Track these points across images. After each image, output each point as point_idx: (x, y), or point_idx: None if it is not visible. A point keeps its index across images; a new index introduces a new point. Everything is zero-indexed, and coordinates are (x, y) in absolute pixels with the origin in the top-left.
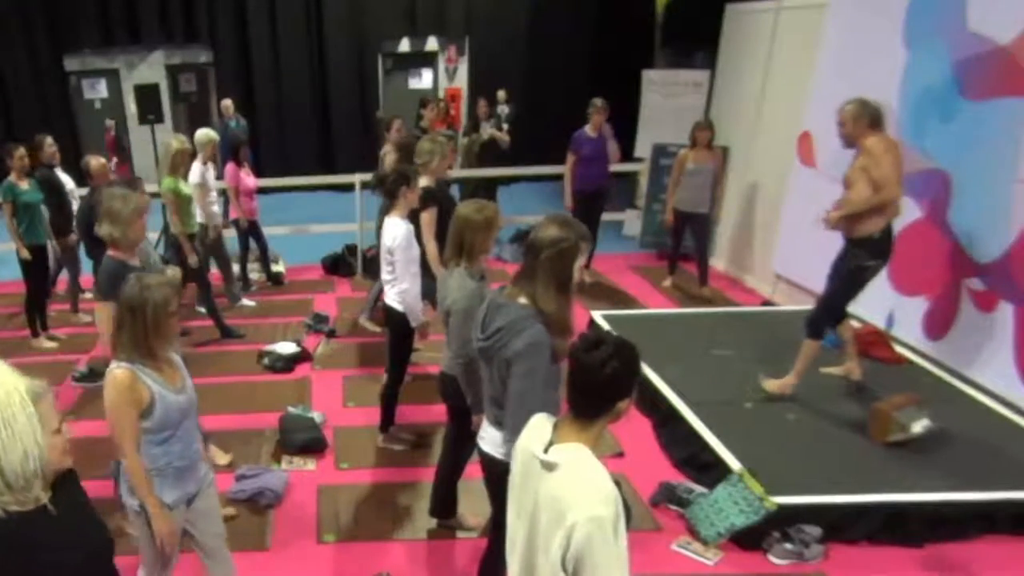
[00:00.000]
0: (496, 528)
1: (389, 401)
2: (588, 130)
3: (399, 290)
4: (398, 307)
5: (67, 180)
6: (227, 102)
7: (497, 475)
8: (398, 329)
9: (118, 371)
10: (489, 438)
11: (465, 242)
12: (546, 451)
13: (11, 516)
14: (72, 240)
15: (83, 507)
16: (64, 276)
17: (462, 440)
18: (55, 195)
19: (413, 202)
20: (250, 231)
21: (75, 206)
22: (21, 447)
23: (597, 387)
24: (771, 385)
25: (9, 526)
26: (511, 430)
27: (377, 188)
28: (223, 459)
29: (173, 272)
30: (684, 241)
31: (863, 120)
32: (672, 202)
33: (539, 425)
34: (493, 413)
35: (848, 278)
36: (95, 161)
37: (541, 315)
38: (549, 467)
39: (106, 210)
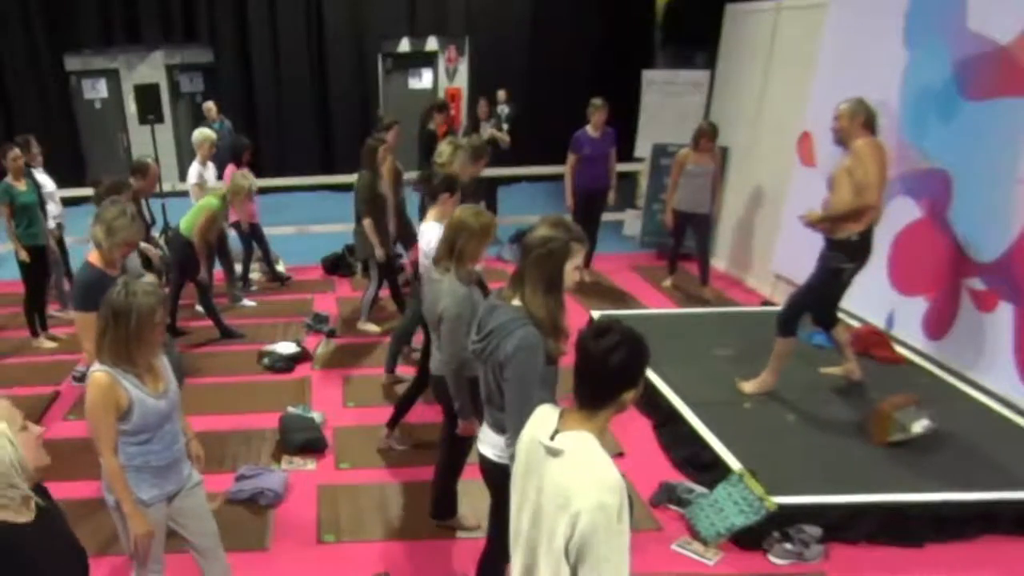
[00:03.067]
0: (496, 527)
1: (406, 401)
2: (589, 130)
3: None
4: None
5: (47, 181)
6: (209, 104)
7: (496, 477)
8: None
9: (98, 374)
10: (487, 441)
11: (457, 246)
12: (552, 439)
13: (3, 526)
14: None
15: (64, 520)
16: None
17: (457, 441)
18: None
19: (451, 210)
20: (251, 234)
21: (55, 208)
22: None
23: (602, 376)
24: (748, 387)
25: (4, 535)
26: (512, 435)
27: (422, 185)
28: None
29: (150, 279)
30: (685, 241)
31: (859, 118)
32: (672, 202)
33: (545, 414)
34: (490, 415)
35: (826, 279)
36: (153, 166)
37: (531, 317)
38: (554, 453)
39: (107, 220)
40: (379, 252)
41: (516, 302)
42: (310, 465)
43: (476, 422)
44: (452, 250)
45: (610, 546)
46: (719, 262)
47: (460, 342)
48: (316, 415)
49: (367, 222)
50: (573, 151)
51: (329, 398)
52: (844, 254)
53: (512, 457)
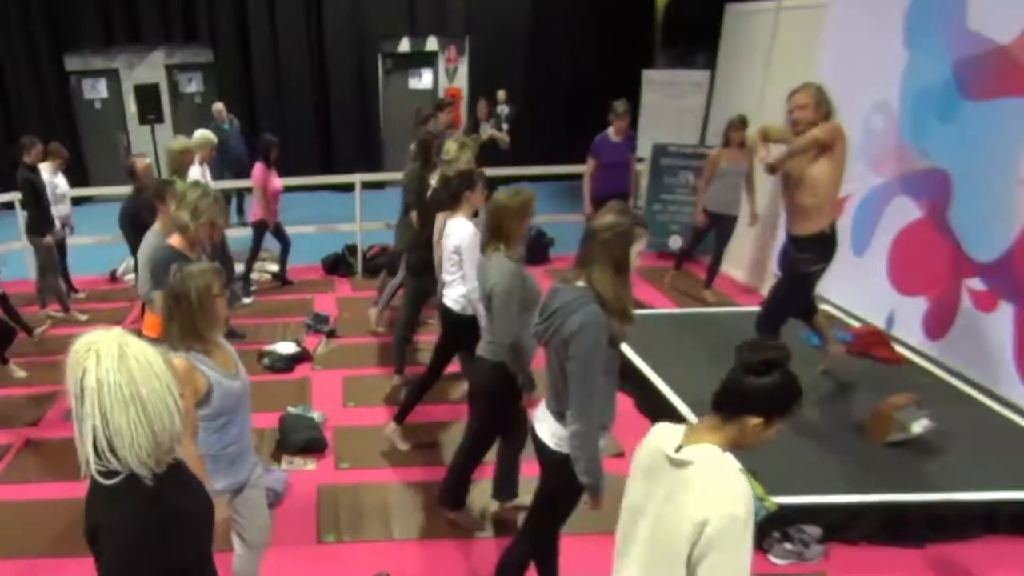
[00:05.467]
0: (541, 520)
1: (413, 396)
2: (611, 134)
3: (469, 290)
4: (455, 307)
5: (61, 182)
6: (219, 105)
7: (554, 466)
8: (450, 330)
9: (176, 360)
10: (547, 429)
11: (503, 228)
12: (677, 452)
13: (156, 478)
14: (49, 242)
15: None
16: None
17: (483, 432)
18: (35, 196)
19: (478, 203)
20: (274, 231)
21: (58, 207)
22: (168, 412)
23: (738, 389)
24: None
25: (156, 487)
26: (576, 413)
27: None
28: None
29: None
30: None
31: (823, 108)
32: (702, 202)
33: (667, 428)
34: (552, 401)
35: (796, 284)
36: (140, 162)
37: (598, 297)
38: (681, 465)
39: (192, 202)
40: None
41: (580, 283)
42: (310, 465)
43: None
44: (499, 233)
45: (733, 557)
46: (737, 272)
47: (512, 318)
48: (316, 415)
49: (415, 214)
50: (593, 156)
51: (329, 398)
52: (813, 253)
53: (572, 445)
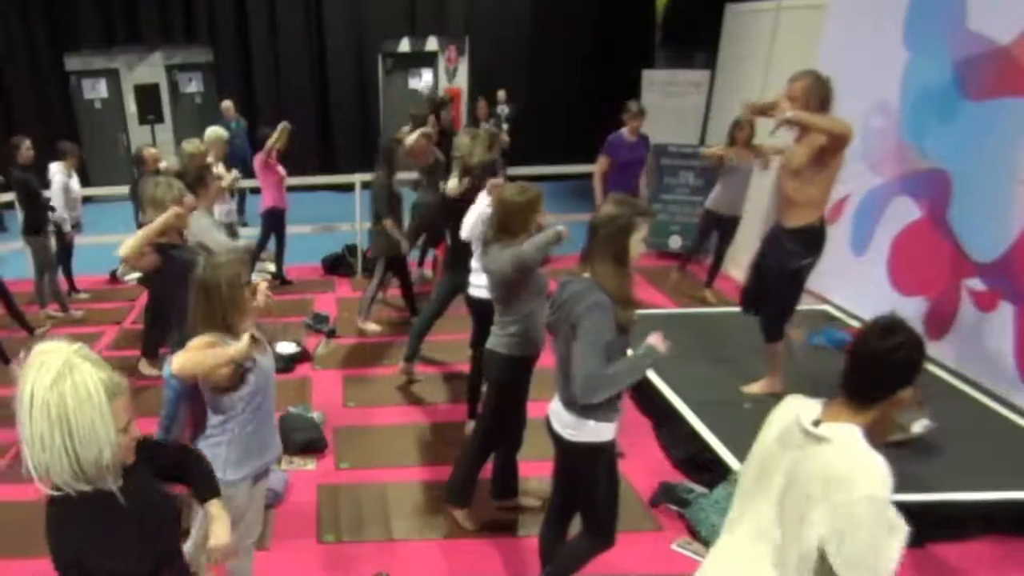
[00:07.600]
0: (560, 503)
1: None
2: (626, 134)
3: None
4: (484, 295)
5: (75, 184)
6: (227, 104)
7: (570, 454)
8: (479, 318)
9: (205, 339)
10: (560, 420)
11: (509, 224)
12: (815, 425)
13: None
14: (44, 242)
15: (149, 493)
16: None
17: (494, 427)
18: (28, 196)
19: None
20: (277, 224)
21: (69, 210)
22: (97, 444)
23: (883, 372)
24: (755, 388)
25: (97, 498)
26: (581, 387)
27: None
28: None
29: (246, 243)
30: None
31: (817, 96)
32: (728, 158)
33: (802, 402)
34: (564, 392)
35: (790, 280)
36: (148, 151)
37: (602, 288)
38: (818, 440)
39: (150, 198)
40: (404, 246)
41: (585, 275)
42: (310, 465)
43: None
44: (505, 229)
45: (874, 539)
46: (738, 272)
47: (536, 254)
48: (316, 415)
49: (387, 221)
50: (607, 154)
51: (329, 398)
52: (801, 247)
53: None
